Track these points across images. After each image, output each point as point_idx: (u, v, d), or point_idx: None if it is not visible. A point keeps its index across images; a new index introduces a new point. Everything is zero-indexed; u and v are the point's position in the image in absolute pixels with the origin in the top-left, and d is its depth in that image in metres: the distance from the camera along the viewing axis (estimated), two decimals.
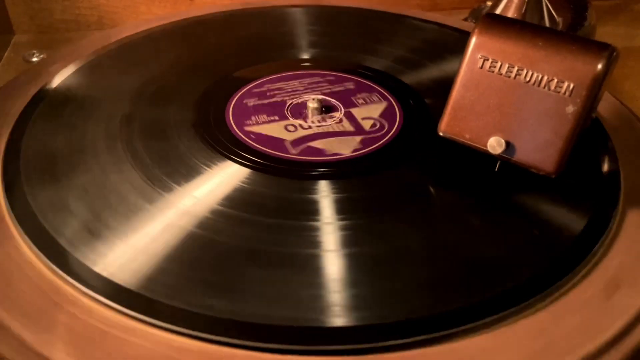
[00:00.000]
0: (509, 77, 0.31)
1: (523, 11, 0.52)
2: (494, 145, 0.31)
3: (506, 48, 0.31)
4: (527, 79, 0.30)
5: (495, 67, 0.31)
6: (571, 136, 0.30)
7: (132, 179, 0.33)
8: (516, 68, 0.31)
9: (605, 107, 0.41)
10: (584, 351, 0.25)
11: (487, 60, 0.31)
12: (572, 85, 0.29)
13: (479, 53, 0.31)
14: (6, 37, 0.56)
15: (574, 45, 0.30)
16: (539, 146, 0.30)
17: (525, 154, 0.31)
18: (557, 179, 0.31)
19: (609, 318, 0.26)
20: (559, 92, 0.30)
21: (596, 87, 0.29)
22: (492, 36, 0.31)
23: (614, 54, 0.29)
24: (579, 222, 0.31)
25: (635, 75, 0.52)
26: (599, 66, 0.29)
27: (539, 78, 0.30)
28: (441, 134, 0.33)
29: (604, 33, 0.58)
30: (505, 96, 0.31)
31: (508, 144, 0.31)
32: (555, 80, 0.30)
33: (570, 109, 0.29)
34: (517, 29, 0.31)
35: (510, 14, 0.53)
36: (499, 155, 0.31)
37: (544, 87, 0.30)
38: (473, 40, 0.32)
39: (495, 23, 0.32)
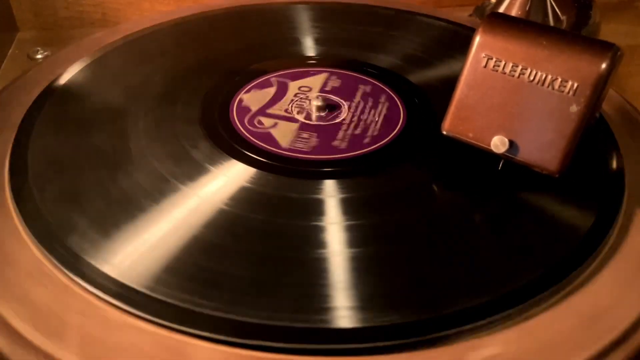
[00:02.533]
0: (513, 76, 0.31)
1: (527, 8, 0.52)
2: (498, 144, 0.31)
3: (510, 47, 0.31)
4: (531, 78, 0.30)
5: (499, 66, 0.31)
6: (574, 136, 0.30)
7: (138, 179, 0.33)
8: (520, 67, 0.31)
9: (609, 104, 0.41)
10: (591, 351, 0.25)
11: (491, 59, 0.31)
12: (576, 85, 0.29)
13: (483, 52, 0.31)
14: (10, 34, 0.56)
15: (578, 45, 0.30)
16: (543, 145, 0.30)
17: (529, 153, 0.31)
18: (561, 177, 0.31)
19: (615, 318, 0.27)
20: (562, 92, 0.30)
21: (600, 87, 0.29)
22: (496, 35, 0.31)
23: (618, 53, 0.29)
24: (583, 221, 0.31)
25: (639, 73, 0.52)
26: (603, 66, 0.29)
27: (543, 77, 0.30)
28: (444, 132, 0.33)
29: (608, 30, 0.57)
30: (509, 95, 0.31)
31: (511, 143, 0.31)
32: (559, 79, 0.30)
33: (574, 108, 0.29)
34: (521, 28, 0.31)
35: (514, 11, 0.52)
36: (502, 154, 0.31)
37: (548, 87, 0.30)
38: (477, 39, 0.32)
39: (499, 22, 0.31)
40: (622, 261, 0.29)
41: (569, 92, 0.30)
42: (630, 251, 0.30)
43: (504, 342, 0.25)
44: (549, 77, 0.30)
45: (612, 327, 0.26)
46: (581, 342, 0.25)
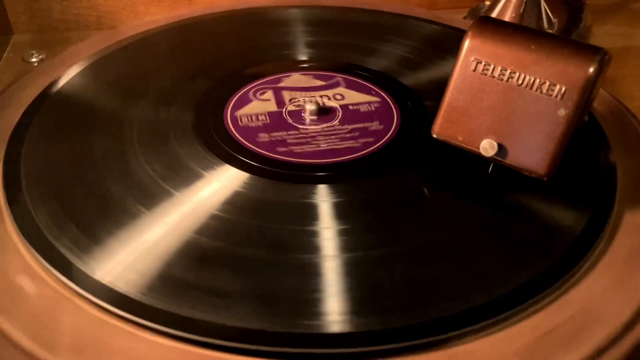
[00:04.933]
0: (502, 80, 0.31)
1: (521, 11, 0.52)
2: (487, 147, 0.31)
3: (499, 51, 0.31)
4: (520, 82, 0.30)
5: (488, 70, 0.31)
6: (563, 139, 0.30)
7: (132, 184, 0.33)
8: (509, 71, 0.31)
9: (603, 105, 0.41)
10: (585, 350, 0.25)
11: (480, 63, 0.31)
12: (563, 89, 0.29)
13: (472, 56, 0.32)
14: (5, 37, 0.56)
15: (566, 49, 0.30)
16: (531, 149, 0.30)
17: (517, 157, 0.31)
18: (555, 179, 0.31)
19: (609, 317, 0.27)
20: (550, 95, 0.30)
21: (588, 91, 0.29)
22: (485, 39, 0.31)
23: (606, 57, 0.29)
24: (576, 222, 0.31)
25: (633, 75, 0.52)
26: (591, 70, 0.29)
27: (531, 81, 0.30)
28: (435, 136, 0.33)
29: (603, 32, 0.58)
30: (498, 99, 0.31)
31: (500, 147, 0.31)
32: (547, 83, 0.30)
33: (562, 112, 0.30)
34: (510, 32, 0.31)
35: (509, 14, 0.53)
36: (491, 157, 0.32)
37: (536, 90, 0.30)
38: (466, 43, 0.32)
39: (488, 26, 0.32)
40: (614, 262, 0.29)
41: (557, 96, 0.30)
42: (622, 252, 0.30)
43: (497, 345, 0.26)
44: (538, 81, 0.30)
45: (605, 328, 0.26)
46: (574, 343, 0.26)
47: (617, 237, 0.31)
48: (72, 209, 0.31)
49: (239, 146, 0.36)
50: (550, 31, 0.51)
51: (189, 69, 0.45)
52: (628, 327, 0.26)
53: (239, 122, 0.37)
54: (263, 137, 0.37)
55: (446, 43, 0.48)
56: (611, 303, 0.27)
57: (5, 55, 0.54)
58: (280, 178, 0.34)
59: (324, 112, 0.40)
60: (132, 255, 0.29)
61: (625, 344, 0.26)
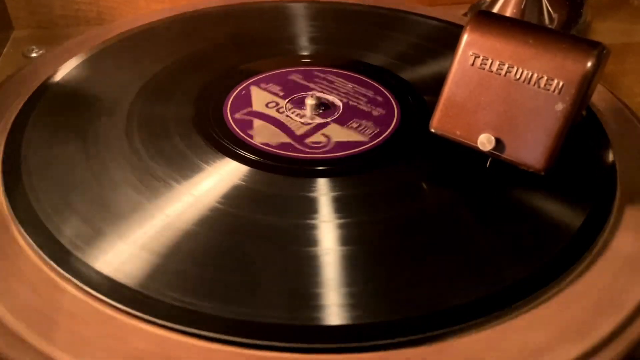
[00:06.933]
0: (500, 74, 0.31)
1: (522, 7, 0.52)
2: (484, 142, 0.31)
3: (497, 45, 0.31)
4: (518, 76, 0.30)
5: (486, 64, 0.31)
6: (560, 134, 0.30)
7: (132, 177, 0.33)
8: (507, 65, 0.31)
9: (602, 103, 0.41)
10: (584, 346, 0.25)
11: (479, 57, 0.31)
12: (561, 83, 0.29)
13: (471, 50, 0.32)
14: (5, 33, 0.56)
15: (563, 43, 0.30)
16: (529, 143, 0.30)
17: (515, 151, 0.31)
18: (554, 175, 0.31)
19: (609, 313, 0.27)
20: (548, 90, 0.30)
21: (585, 85, 0.29)
22: (483, 33, 0.31)
23: (604, 51, 0.29)
24: (576, 218, 0.31)
25: (633, 71, 0.52)
26: (588, 64, 0.29)
27: (529, 75, 0.30)
28: (433, 130, 0.34)
29: (603, 28, 0.58)
30: (496, 93, 0.31)
31: (498, 141, 0.31)
32: (545, 77, 0.30)
33: (559, 106, 0.30)
34: (508, 27, 0.31)
35: (510, 9, 0.53)
36: (489, 152, 0.32)
37: (534, 85, 0.30)
38: (464, 38, 0.32)
39: (486, 20, 0.32)
40: (615, 258, 0.29)
41: (554, 91, 0.30)
42: (623, 247, 0.30)
43: (494, 340, 0.26)
44: (535, 75, 0.30)
45: (605, 324, 0.26)
46: (573, 340, 0.26)
47: (617, 233, 0.31)
48: (72, 200, 0.31)
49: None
50: (551, 26, 0.51)
51: (189, 62, 0.45)
52: (628, 323, 0.26)
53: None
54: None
55: (447, 39, 0.47)
56: (611, 300, 0.27)
57: (5, 50, 0.54)
58: (280, 172, 0.34)
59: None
60: (132, 247, 0.29)
61: (625, 341, 0.26)
